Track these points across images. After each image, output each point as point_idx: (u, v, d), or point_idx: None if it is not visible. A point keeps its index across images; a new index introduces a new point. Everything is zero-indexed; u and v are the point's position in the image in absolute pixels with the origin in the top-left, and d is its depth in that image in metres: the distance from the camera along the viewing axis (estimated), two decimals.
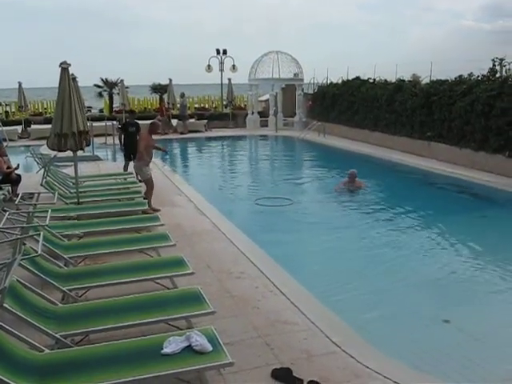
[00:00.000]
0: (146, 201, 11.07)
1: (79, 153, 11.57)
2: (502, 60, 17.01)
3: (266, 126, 30.12)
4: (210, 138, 27.57)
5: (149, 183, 11.57)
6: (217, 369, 4.78)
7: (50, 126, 11.08)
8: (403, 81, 22.17)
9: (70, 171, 13.14)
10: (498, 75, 17.03)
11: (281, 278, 7.75)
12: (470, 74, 18.32)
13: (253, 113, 30.98)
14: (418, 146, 19.80)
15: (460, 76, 18.72)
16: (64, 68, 10.33)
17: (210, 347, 4.67)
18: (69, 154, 11.13)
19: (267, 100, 31.91)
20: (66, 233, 8.46)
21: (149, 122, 28.90)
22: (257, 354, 5.50)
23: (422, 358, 5.94)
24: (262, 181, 18.24)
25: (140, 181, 12.85)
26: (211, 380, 4.88)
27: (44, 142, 11.31)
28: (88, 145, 11.86)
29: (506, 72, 16.83)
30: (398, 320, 7.10)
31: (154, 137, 12.09)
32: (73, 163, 11.50)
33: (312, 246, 10.44)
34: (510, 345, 6.49)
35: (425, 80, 21.59)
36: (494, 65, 17.15)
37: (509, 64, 16.82)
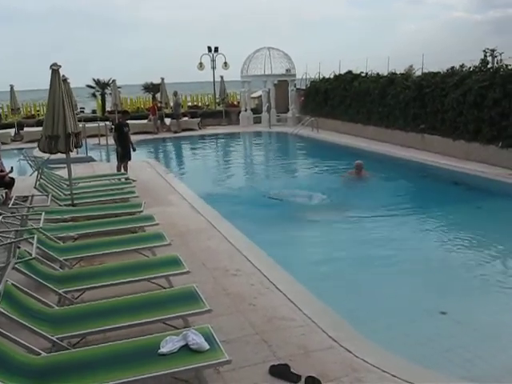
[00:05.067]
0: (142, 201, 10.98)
1: (72, 154, 11.55)
2: (493, 51, 17.04)
3: (260, 122, 30.10)
4: (203, 136, 27.54)
5: None
6: (214, 367, 4.78)
7: (42, 128, 11.05)
8: (395, 74, 22.17)
9: (63, 173, 13.08)
10: (489, 66, 17.06)
11: (277, 274, 7.74)
12: (462, 66, 18.32)
13: (246, 110, 30.93)
14: (411, 138, 19.82)
15: (452, 68, 18.73)
16: (55, 70, 10.29)
17: (206, 346, 4.66)
18: (62, 155, 11.10)
19: (260, 96, 31.85)
20: (61, 235, 8.41)
21: (142, 121, 28.80)
22: (254, 351, 5.50)
23: (419, 350, 5.97)
24: (256, 177, 18.35)
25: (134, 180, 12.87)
26: (209, 378, 4.87)
27: (36, 144, 11.28)
28: (79, 146, 11.84)
29: (497, 63, 16.86)
30: (394, 311, 7.11)
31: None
32: (66, 165, 11.46)
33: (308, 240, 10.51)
34: (507, 335, 6.52)
35: (417, 72, 21.60)
36: (485, 56, 17.17)
37: (500, 54, 16.87)
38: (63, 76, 10.79)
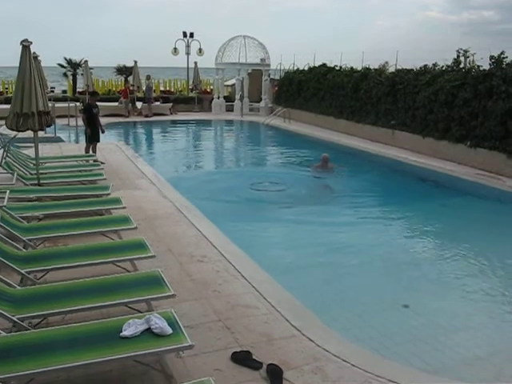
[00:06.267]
0: (109, 184, 10.90)
1: (41, 134, 11.36)
2: (465, 51, 17.26)
3: (232, 110, 30.01)
4: (175, 122, 27.36)
5: None
6: (176, 351, 4.75)
7: (10, 105, 10.85)
8: (369, 69, 22.28)
9: (30, 152, 12.87)
10: (461, 66, 17.27)
11: (242, 261, 7.75)
12: (435, 64, 18.53)
13: (219, 97, 30.82)
14: (382, 134, 20.00)
15: (425, 66, 18.92)
16: (25, 46, 10.08)
17: (169, 330, 4.65)
18: (30, 134, 10.92)
19: (233, 85, 31.76)
20: (26, 214, 8.27)
21: (113, 103, 28.34)
22: (217, 337, 5.51)
23: (380, 341, 6.05)
24: (224, 165, 18.40)
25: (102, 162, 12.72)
26: (171, 363, 4.86)
27: (3, 122, 11.05)
28: (49, 125, 11.65)
29: (469, 63, 17.07)
30: (358, 304, 7.19)
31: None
32: (33, 144, 11.28)
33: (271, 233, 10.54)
34: (467, 329, 6.66)
35: (391, 69, 21.76)
36: (458, 56, 17.39)
37: (472, 55, 17.08)
38: (34, 53, 10.58)
